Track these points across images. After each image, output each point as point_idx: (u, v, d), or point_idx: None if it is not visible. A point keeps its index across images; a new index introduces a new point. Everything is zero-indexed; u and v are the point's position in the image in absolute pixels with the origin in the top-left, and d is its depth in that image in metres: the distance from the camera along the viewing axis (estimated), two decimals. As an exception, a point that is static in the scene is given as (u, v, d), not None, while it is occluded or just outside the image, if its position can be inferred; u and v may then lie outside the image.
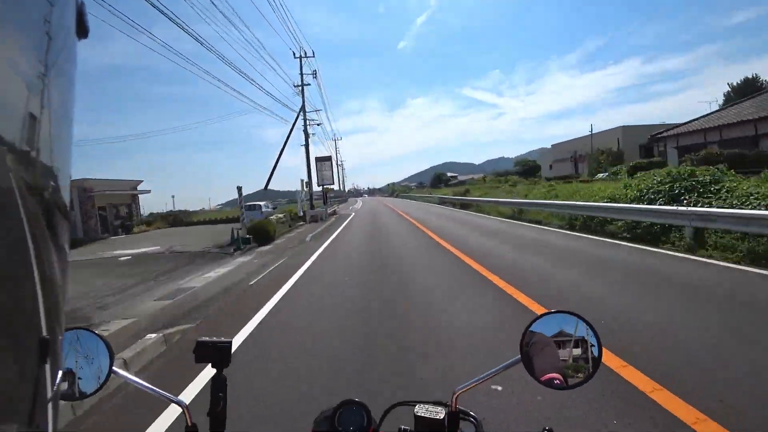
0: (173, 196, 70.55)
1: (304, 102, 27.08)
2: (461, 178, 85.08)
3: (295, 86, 27.71)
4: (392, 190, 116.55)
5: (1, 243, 0.27)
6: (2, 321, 0.27)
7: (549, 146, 56.40)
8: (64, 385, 0.77)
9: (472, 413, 0.86)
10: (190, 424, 0.83)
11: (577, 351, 0.77)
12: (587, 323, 0.77)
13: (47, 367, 0.33)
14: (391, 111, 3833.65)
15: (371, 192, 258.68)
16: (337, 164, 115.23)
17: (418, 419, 0.82)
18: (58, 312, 0.35)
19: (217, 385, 0.85)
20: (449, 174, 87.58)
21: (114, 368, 0.81)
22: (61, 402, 0.55)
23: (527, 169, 73.27)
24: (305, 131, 27.44)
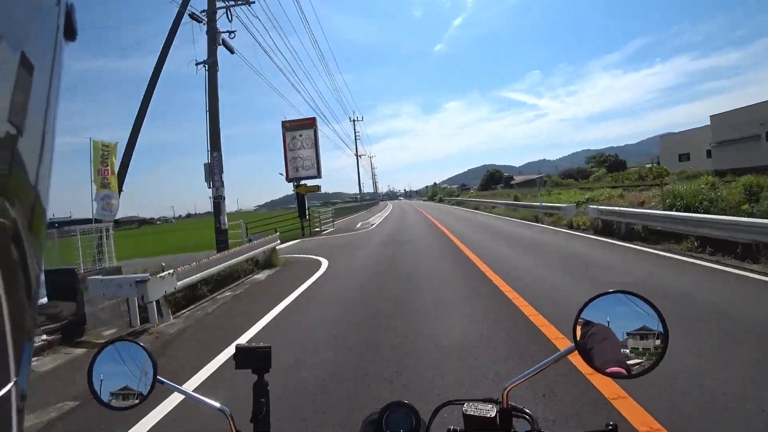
0: (210, 198, 63.73)
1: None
2: (519, 178, 70.91)
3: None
4: (434, 193, 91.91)
5: None
6: None
7: (649, 138, 41.74)
8: (111, 393, 0.82)
9: (526, 409, 0.82)
10: (234, 431, 0.82)
11: (640, 335, 0.70)
12: (648, 302, 0.70)
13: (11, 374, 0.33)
14: (427, 114, 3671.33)
15: (408, 195, 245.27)
16: (371, 168, 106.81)
17: (468, 418, 0.79)
18: (22, 316, 0.34)
19: (259, 390, 0.86)
20: (505, 174, 73.33)
21: (158, 377, 0.83)
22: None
23: (612, 163, 58.43)
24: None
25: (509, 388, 0.80)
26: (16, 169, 0.31)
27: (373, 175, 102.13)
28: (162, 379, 0.83)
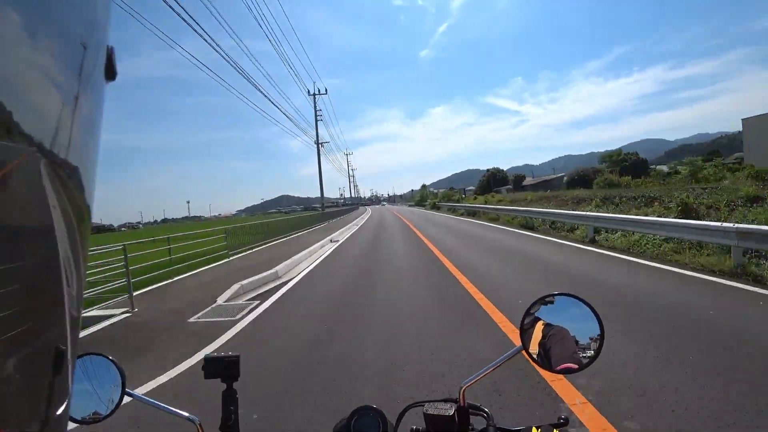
0: (188, 202, 55.03)
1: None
2: (531, 180, 60.11)
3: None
4: (423, 197, 76.42)
5: (34, 247, 0.30)
6: (26, 329, 0.29)
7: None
8: (81, 408, 0.81)
9: (482, 407, 0.86)
10: None
11: (581, 331, 0.76)
12: (585, 302, 0.77)
13: (67, 380, 0.34)
14: (412, 119, 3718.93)
15: (391, 199, 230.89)
16: (348, 168, 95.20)
17: (429, 417, 0.82)
18: (75, 324, 0.36)
19: (228, 399, 0.87)
20: (513, 175, 59.62)
21: (127, 390, 0.84)
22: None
23: (632, 163, 49.12)
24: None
25: (465, 387, 0.84)
26: (68, 190, 0.33)
27: (351, 177, 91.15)
28: (131, 391, 0.84)
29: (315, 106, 37.08)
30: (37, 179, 0.29)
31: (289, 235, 17.94)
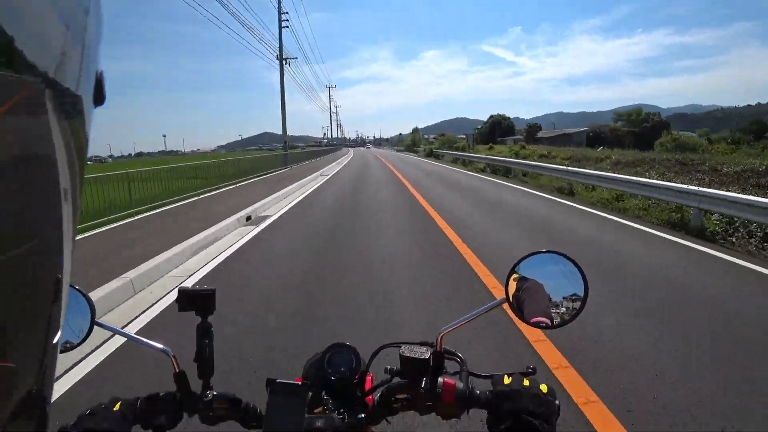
0: (164, 136, 50.45)
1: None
2: (547, 132, 52.87)
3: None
4: (413, 142, 68.49)
5: (37, 178, 0.30)
6: (24, 260, 0.30)
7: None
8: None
9: (457, 353, 0.89)
10: (177, 371, 0.84)
11: (564, 290, 0.78)
12: (573, 261, 0.78)
13: (61, 309, 0.35)
14: (403, 61, 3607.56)
15: (377, 142, 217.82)
16: (330, 111, 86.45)
17: (404, 359, 0.84)
18: (70, 253, 0.36)
19: (202, 332, 0.86)
20: (523, 126, 50.88)
21: (97, 320, 0.83)
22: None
23: (654, 125, 42.77)
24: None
25: (443, 333, 0.84)
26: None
27: (334, 114, 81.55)
28: (100, 321, 0.83)
29: (280, 5, 27.09)
30: (42, 112, 0.30)
31: (237, 183, 13.45)
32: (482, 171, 19.54)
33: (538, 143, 38.93)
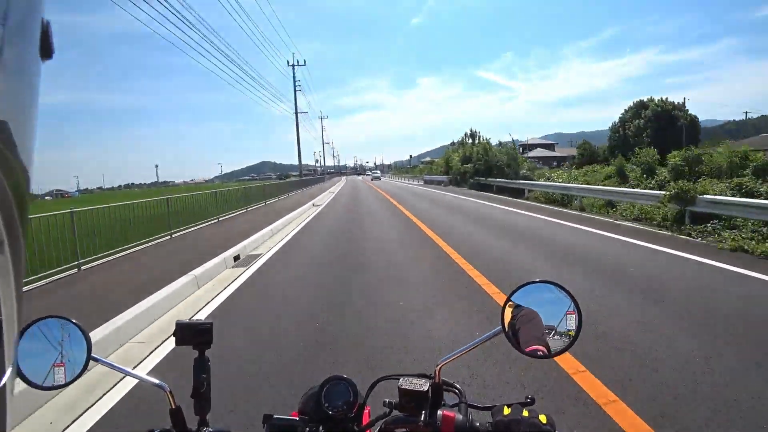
0: (156, 166, 51.53)
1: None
2: (553, 152, 51.95)
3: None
4: (448, 162, 39.06)
5: None
6: None
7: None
8: (42, 372, 0.79)
9: (455, 384, 0.91)
10: (174, 407, 0.83)
11: (558, 320, 0.79)
12: (566, 291, 0.78)
13: (5, 348, 0.33)
14: (400, 89, 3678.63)
15: (375, 170, 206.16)
16: (323, 142, 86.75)
17: (403, 392, 0.83)
18: (18, 294, 0.35)
19: (199, 366, 0.86)
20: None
21: (93, 355, 0.82)
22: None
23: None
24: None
25: (441, 365, 0.85)
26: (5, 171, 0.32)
27: (329, 144, 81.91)
28: (97, 356, 0.83)
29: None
30: None
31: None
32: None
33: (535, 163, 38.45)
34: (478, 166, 28.72)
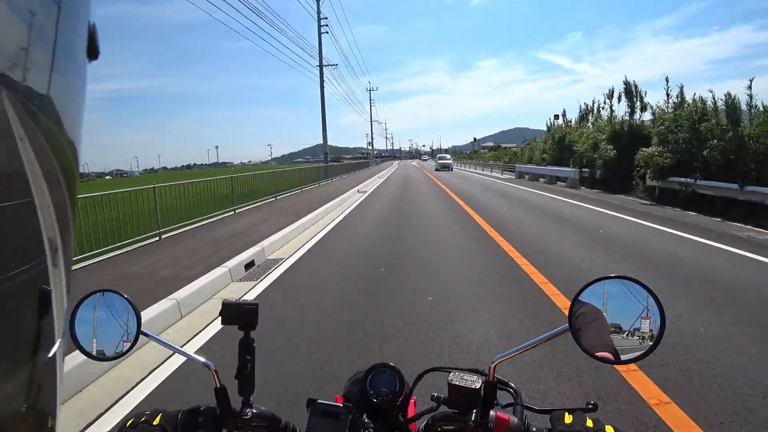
0: (217, 147, 52.93)
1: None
2: None
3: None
4: (559, 142, 21.70)
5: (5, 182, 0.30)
6: (5, 272, 0.30)
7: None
8: (94, 343, 0.84)
9: (511, 384, 0.87)
10: (219, 386, 0.84)
11: (635, 322, 0.70)
12: (648, 289, 0.69)
13: (54, 320, 0.35)
14: (458, 72, 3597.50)
15: (433, 154, 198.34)
16: (371, 120, 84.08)
17: (453, 387, 0.80)
18: (68, 265, 0.37)
19: (244, 347, 0.86)
20: None
21: (142, 329, 0.84)
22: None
23: None
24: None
25: (497, 362, 0.80)
26: (56, 166, 0.34)
27: (381, 126, 79.24)
28: (146, 331, 0.84)
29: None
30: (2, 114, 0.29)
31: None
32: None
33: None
34: (690, 149, 11.83)
